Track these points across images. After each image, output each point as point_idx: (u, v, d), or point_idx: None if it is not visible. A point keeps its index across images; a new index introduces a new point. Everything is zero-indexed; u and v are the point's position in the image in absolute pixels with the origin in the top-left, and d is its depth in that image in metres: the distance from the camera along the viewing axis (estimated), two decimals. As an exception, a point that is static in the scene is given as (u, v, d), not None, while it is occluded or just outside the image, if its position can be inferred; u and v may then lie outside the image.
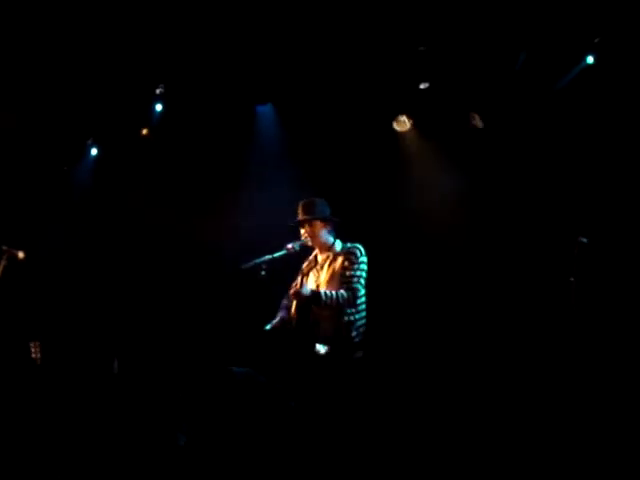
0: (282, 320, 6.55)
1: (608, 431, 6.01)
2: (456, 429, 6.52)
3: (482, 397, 6.88)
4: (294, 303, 6.49)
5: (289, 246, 6.60)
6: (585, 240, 6.26)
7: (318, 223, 6.60)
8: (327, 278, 6.51)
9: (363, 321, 6.46)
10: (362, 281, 6.44)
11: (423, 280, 7.77)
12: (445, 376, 7.21)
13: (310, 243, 6.64)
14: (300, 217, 6.61)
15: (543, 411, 6.38)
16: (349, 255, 6.47)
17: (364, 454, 6.05)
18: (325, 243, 6.63)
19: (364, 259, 6.47)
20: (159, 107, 8.67)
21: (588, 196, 7.11)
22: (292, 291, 6.44)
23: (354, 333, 6.39)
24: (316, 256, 6.72)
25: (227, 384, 5.74)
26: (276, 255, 6.55)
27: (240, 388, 6.10)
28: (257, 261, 6.44)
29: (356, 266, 6.43)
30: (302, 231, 6.63)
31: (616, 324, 6.77)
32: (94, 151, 9.07)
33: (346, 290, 6.34)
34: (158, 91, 8.54)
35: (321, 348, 6.31)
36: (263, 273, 6.45)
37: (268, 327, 6.53)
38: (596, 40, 7.04)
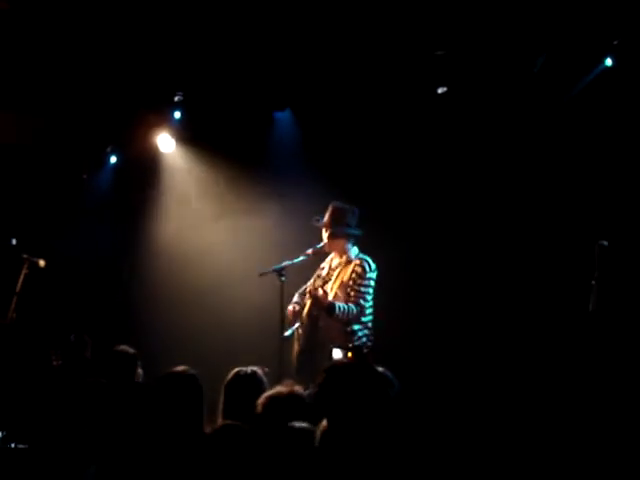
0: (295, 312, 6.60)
1: (625, 434, 5.97)
2: (470, 433, 6.49)
3: (499, 401, 6.85)
4: (307, 305, 6.50)
5: (308, 251, 6.61)
6: (606, 243, 6.22)
7: (343, 238, 6.61)
8: (338, 285, 6.53)
9: (366, 331, 6.58)
10: (368, 297, 6.57)
11: (442, 281, 7.74)
12: (464, 380, 7.18)
13: (327, 249, 6.66)
14: (328, 225, 6.57)
15: (563, 414, 6.34)
16: (359, 268, 6.54)
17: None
18: (342, 251, 6.64)
19: (372, 275, 6.57)
20: (178, 114, 8.70)
21: (608, 199, 7.06)
22: (313, 293, 6.45)
23: (358, 342, 6.49)
24: (332, 260, 6.71)
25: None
26: (295, 261, 6.56)
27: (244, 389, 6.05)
28: (276, 267, 6.45)
29: (365, 282, 6.53)
30: (324, 232, 6.61)
31: (638, 327, 6.72)
32: (113, 159, 9.11)
33: (355, 305, 6.45)
34: (177, 99, 8.56)
35: (338, 353, 6.33)
36: (283, 279, 6.47)
37: (288, 334, 6.54)
38: (615, 42, 7.01)
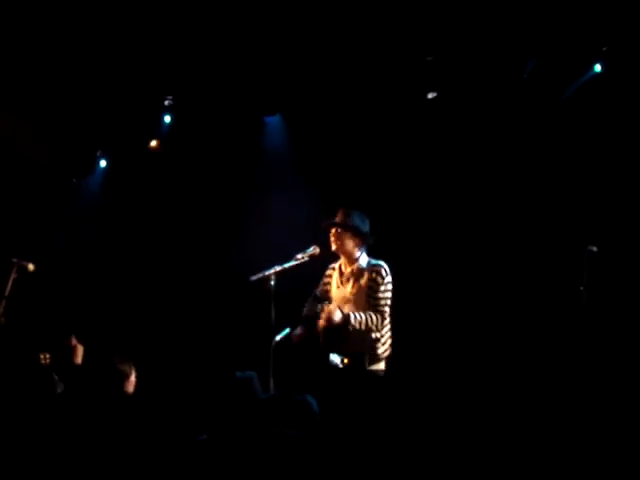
0: (300, 335, 6.47)
1: (617, 436, 5.99)
2: (475, 441, 6.49)
3: (497, 407, 6.86)
4: (322, 326, 6.40)
5: (298, 256, 6.58)
6: (594, 249, 6.24)
7: (348, 234, 6.51)
8: (354, 293, 6.45)
9: (388, 334, 6.45)
10: (389, 302, 6.40)
11: (436, 288, 7.75)
12: (455, 384, 7.19)
13: (317, 252, 6.62)
14: (337, 219, 6.50)
15: (555, 420, 6.36)
16: (375, 275, 6.37)
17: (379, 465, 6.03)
18: (350, 255, 6.52)
19: (389, 279, 6.40)
20: (168, 119, 8.70)
21: (597, 205, 7.09)
22: (323, 319, 6.33)
23: (381, 350, 6.39)
24: (340, 266, 6.62)
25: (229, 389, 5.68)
26: (286, 265, 6.54)
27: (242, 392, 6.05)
28: (266, 272, 6.44)
29: (383, 287, 6.36)
30: (332, 231, 6.54)
31: (626, 333, 6.74)
32: (103, 163, 9.10)
33: (374, 313, 6.30)
34: (166, 103, 8.56)
35: (335, 358, 6.27)
36: (272, 284, 6.45)
37: (278, 338, 6.51)
38: (604, 48, 7.04)
